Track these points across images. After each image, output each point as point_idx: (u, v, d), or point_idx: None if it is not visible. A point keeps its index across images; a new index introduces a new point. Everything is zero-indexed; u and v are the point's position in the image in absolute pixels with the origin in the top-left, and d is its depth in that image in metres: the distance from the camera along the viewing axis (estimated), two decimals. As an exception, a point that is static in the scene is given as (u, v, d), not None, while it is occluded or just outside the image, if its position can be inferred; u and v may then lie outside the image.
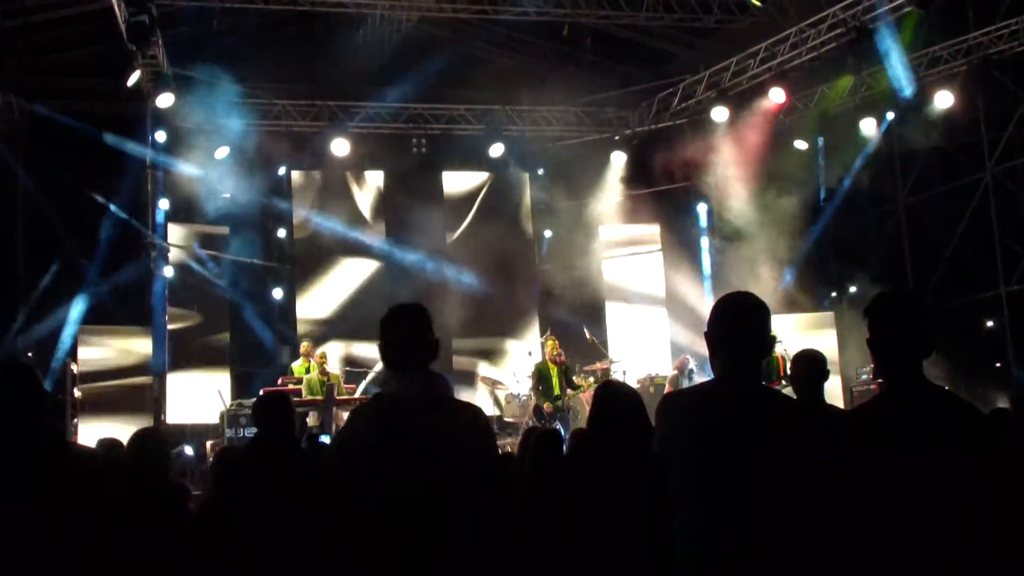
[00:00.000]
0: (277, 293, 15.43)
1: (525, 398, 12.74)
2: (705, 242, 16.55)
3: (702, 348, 2.80)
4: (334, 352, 14.16)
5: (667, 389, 12.08)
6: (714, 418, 2.56)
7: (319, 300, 15.28)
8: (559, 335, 12.91)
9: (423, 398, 2.66)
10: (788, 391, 3.80)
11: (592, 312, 15.57)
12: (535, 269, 16.34)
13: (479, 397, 14.41)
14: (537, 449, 4.40)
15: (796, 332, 13.65)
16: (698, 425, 2.56)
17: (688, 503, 2.54)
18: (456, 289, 14.88)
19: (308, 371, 12.22)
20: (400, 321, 2.77)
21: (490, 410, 13.47)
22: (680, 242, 16.11)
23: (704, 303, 15.37)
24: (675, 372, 13.35)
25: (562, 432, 8.81)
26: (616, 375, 12.87)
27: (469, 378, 14.96)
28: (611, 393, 3.50)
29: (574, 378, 12.16)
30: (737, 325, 2.63)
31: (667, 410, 2.68)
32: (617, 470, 3.19)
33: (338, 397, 11.32)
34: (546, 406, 11.37)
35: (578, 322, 14.51)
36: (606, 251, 16.10)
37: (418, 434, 2.57)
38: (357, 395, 12.02)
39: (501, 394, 14.05)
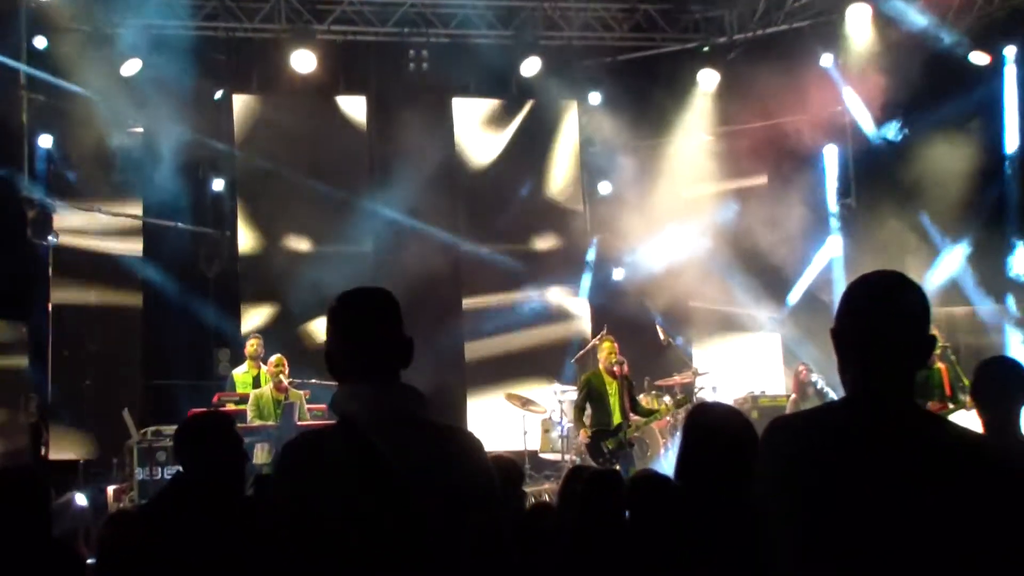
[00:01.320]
0: (211, 268, 15.54)
1: (570, 427, 12.77)
2: (833, 202, 16.62)
3: (830, 357, 2.81)
4: (296, 356, 13.70)
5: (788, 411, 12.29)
6: (837, 457, 2.58)
7: (274, 281, 15.35)
8: (619, 335, 12.67)
9: (391, 422, 2.75)
10: (959, 418, 3.71)
11: (668, 303, 15.58)
12: (583, 238, 16.38)
13: (503, 424, 14.41)
14: (587, 498, 4.54)
15: (968, 333, 13.68)
16: (814, 468, 2.59)
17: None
18: (471, 261, 15.18)
19: (257, 383, 12.33)
20: (357, 313, 2.90)
21: (518, 442, 13.41)
22: (797, 201, 15.86)
23: (831, 290, 15.42)
24: (793, 394, 13.54)
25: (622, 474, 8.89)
26: (702, 393, 12.90)
27: (487, 396, 15.18)
28: (712, 423, 3.63)
29: (641, 397, 12.15)
30: (877, 319, 2.64)
31: (772, 443, 2.75)
32: (709, 536, 3.34)
33: (301, 422, 11.31)
34: (582, 434, 11.41)
35: (646, 316, 14.57)
36: (687, 214, 16.05)
37: (383, 475, 2.65)
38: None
39: (535, 419, 14.09)
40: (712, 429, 3.65)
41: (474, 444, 2.93)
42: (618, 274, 16.54)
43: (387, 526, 2.65)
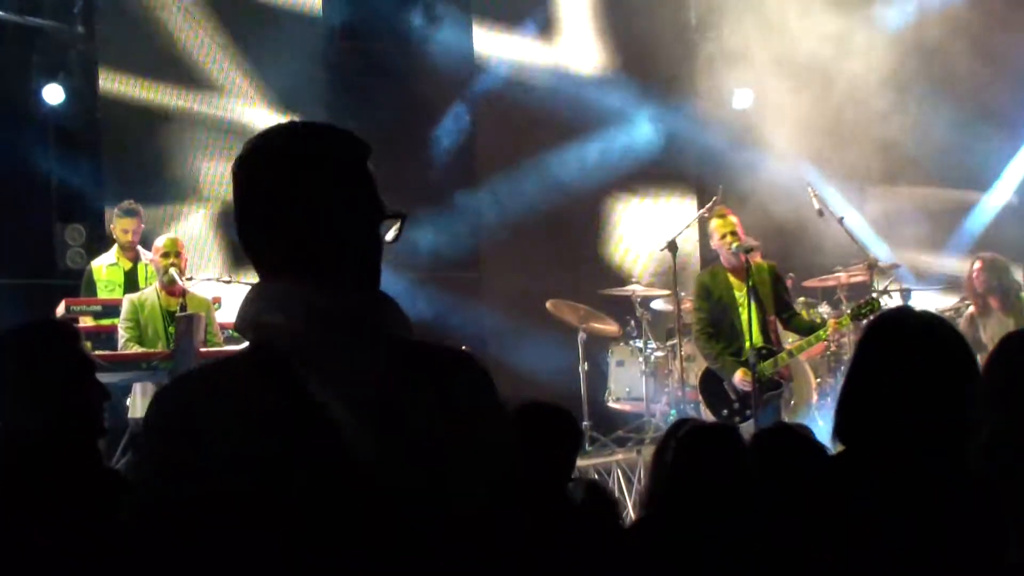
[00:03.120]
0: (52, 94, 12.64)
1: (659, 356, 11.29)
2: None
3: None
4: (202, 242, 12.72)
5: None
6: None
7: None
8: (742, 204, 10.99)
9: (340, 344, 2.26)
10: None
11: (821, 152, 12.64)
12: (690, 45, 13.88)
13: (544, 351, 12.31)
14: (678, 473, 4.19)
15: None
16: None
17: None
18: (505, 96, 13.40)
19: (134, 283, 10.66)
20: (296, 159, 2.34)
21: (570, 382, 11.33)
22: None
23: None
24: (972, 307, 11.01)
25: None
26: (891, 299, 10.75)
27: (528, 310, 12.73)
28: (905, 341, 3.22)
29: (794, 304, 10.20)
30: None
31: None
32: (899, 530, 3.02)
33: (208, 348, 9.41)
34: (739, 374, 9.51)
35: (783, 169, 12.17)
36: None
37: (322, 437, 2.19)
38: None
39: (600, 344, 12.02)
40: (905, 352, 3.12)
41: (478, 369, 2.41)
42: (742, 98, 13.40)
43: (330, 521, 2.19)
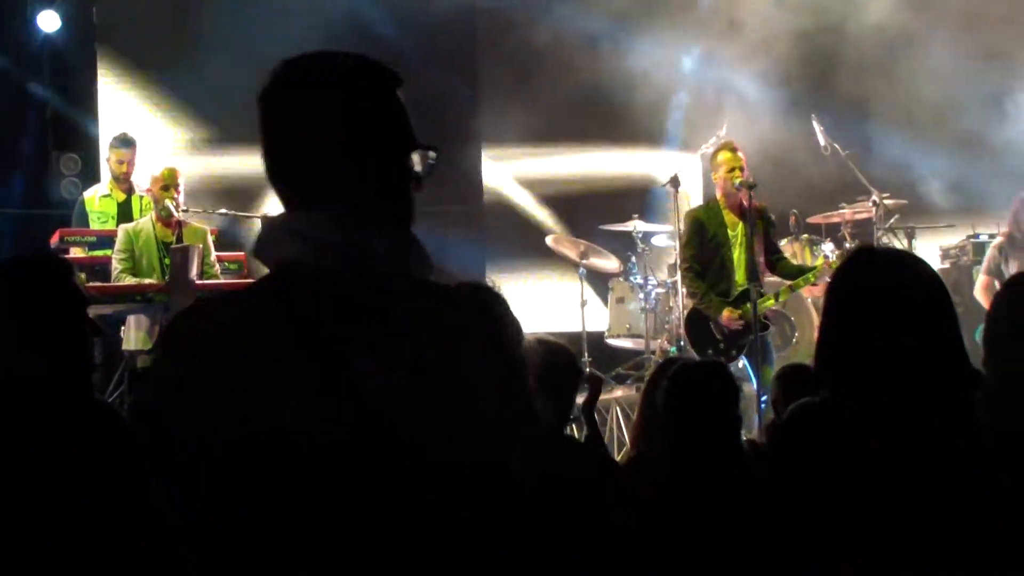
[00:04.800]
0: (47, 20, 12.48)
1: (660, 293, 11.04)
2: None
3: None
4: (202, 178, 12.02)
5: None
6: None
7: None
8: (749, 137, 10.70)
9: (359, 280, 2.25)
10: None
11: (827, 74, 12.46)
12: None
13: (546, 288, 12.95)
14: (679, 409, 4.19)
15: None
16: None
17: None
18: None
19: (127, 214, 10.54)
20: (329, 84, 2.31)
21: (571, 319, 11.63)
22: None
23: None
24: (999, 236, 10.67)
25: (750, 374, 8.89)
26: (895, 237, 10.82)
27: (521, 241, 13.14)
28: (870, 278, 3.24)
29: (783, 244, 10.36)
30: None
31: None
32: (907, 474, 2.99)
33: (204, 280, 9.33)
34: (725, 313, 9.47)
35: (790, 105, 11.97)
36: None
37: (337, 372, 2.16)
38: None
39: (601, 281, 11.88)
40: (869, 294, 3.11)
41: (499, 309, 2.69)
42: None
43: (345, 458, 2.15)
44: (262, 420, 2.19)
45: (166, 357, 2.35)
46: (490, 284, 3.13)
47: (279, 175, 2.32)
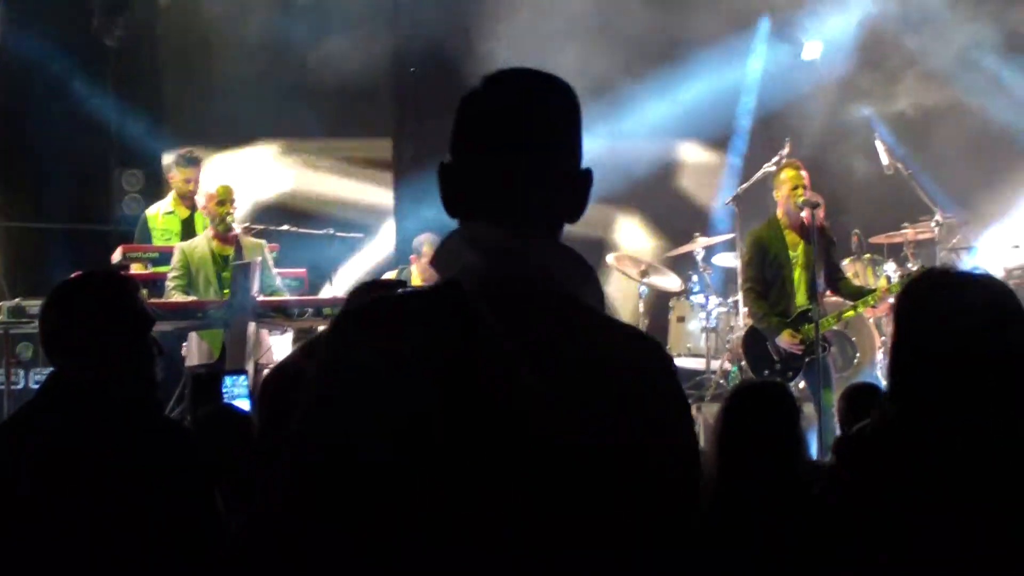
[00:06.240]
0: (113, 32, 12.64)
1: (721, 312, 11.22)
2: None
3: None
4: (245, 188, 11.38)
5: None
6: None
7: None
8: (809, 154, 10.77)
9: (522, 295, 2.23)
10: None
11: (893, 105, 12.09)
12: None
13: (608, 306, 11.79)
14: (726, 433, 4.19)
15: None
16: None
17: None
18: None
19: (189, 231, 10.63)
20: (507, 101, 2.32)
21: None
22: None
23: None
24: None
25: (809, 395, 9.10)
26: (947, 259, 10.80)
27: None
28: (944, 302, 3.13)
29: (845, 264, 10.39)
30: None
31: None
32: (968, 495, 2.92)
33: (264, 296, 9.44)
34: (785, 335, 9.38)
35: (854, 122, 11.96)
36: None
37: (507, 386, 2.13)
38: (327, 296, 10.44)
39: (662, 300, 12.09)
40: (932, 317, 3.05)
41: (663, 359, 2.28)
42: (811, 49, 12.49)
43: (503, 478, 2.10)
44: (413, 426, 2.15)
45: (334, 348, 2.32)
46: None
47: (458, 186, 2.34)
